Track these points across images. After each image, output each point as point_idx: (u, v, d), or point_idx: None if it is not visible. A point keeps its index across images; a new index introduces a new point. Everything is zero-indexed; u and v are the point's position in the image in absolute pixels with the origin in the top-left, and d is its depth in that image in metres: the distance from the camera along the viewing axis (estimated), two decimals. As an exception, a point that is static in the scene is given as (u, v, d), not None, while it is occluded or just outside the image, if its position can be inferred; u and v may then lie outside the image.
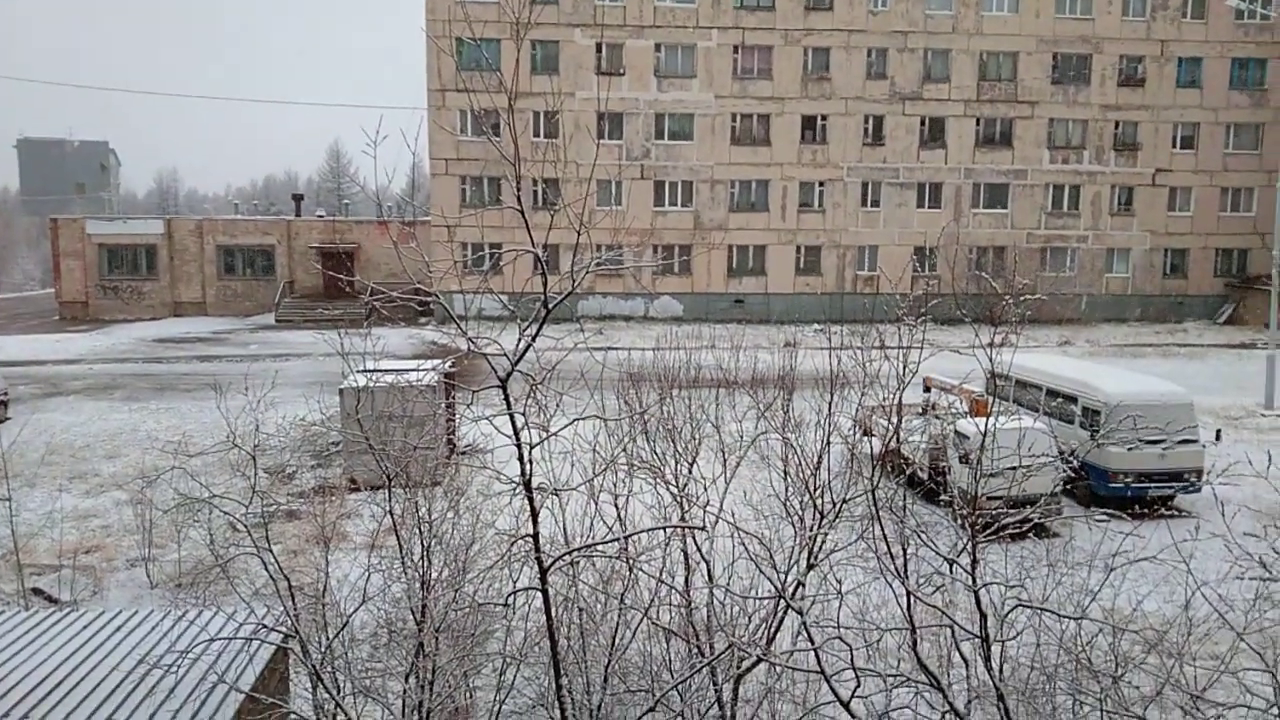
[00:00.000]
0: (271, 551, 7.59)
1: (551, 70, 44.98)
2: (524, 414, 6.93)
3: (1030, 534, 8.27)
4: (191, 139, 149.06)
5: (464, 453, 15.74)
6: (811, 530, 7.43)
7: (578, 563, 8.28)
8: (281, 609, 7.77)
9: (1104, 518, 12.39)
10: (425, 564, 8.01)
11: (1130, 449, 18.43)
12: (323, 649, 7.49)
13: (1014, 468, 8.48)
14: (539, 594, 7.21)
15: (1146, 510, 13.72)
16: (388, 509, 8.18)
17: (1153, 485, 18.60)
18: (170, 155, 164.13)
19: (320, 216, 58.40)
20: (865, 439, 13.32)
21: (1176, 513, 18.51)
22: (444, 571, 8.18)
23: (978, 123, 48.19)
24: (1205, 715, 5.73)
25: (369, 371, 10.20)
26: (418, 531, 8.14)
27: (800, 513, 7.71)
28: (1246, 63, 48.67)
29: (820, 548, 7.49)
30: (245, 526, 7.73)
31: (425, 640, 7.49)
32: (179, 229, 52.45)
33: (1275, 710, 5.21)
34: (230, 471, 9.32)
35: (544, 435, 7.09)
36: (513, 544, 7.59)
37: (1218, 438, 20.17)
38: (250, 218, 58.54)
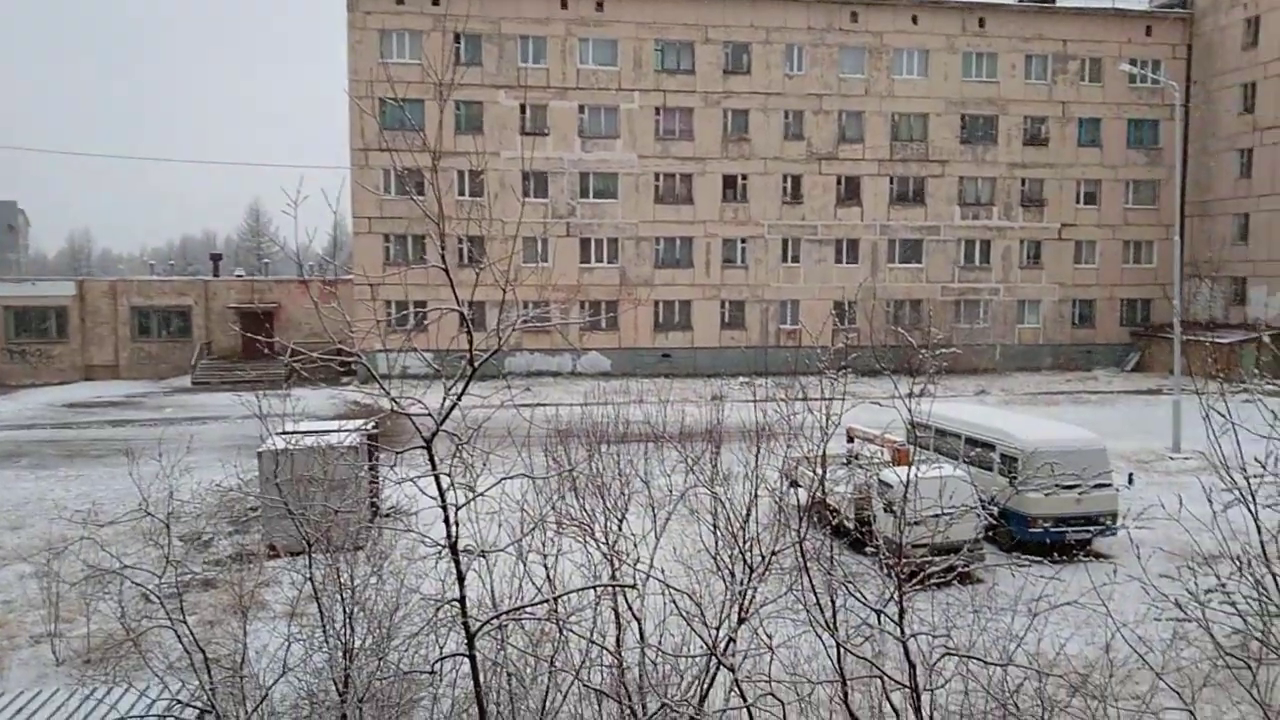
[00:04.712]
0: (186, 623, 7.31)
1: (476, 130, 45.25)
2: (449, 474, 6.83)
3: (955, 581, 8.37)
4: (106, 199, 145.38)
5: (387, 515, 15.41)
6: (742, 584, 7.42)
7: (506, 626, 8.12)
8: (197, 683, 7.46)
9: (1025, 563, 12.64)
10: (348, 632, 7.79)
11: (1047, 494, 18.87)
12: (240, 724, 7.19)
13: (937, 515, 8.62)
14: (466, 660, 7.05)
15: (1066, 555, 14.03)
16: (308, 575, 7.95)
17: (1070, 530, 19.01)
18: (83, 215, 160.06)
19: (239, 276, 57.38)
20: (792, 490, 13.41)
21: (1094, 557, 18.95)
22: (368, 639, 7.95)
23: (891, 181, 49.74)
24: (1129, 756, 5.83)
25: (289, 434, 9.97)
26: (339, 598, 7.93)
27: (730, 567, 7.71)
28: (1141, 123, 51.31)
29: (751, 602, 7.48)
30: (159, 598, 7.44)
31: (349, 711, 7.26)
32: (91, 290, 50.96)
33: (1194, 748, 5.33)
34: (143, 540, 8.98)
35: (470, 496, 6.99)
36: (438, 609, 7.41)
37: (1130, 482, 20.76)
38: (166, 278, 57.19)
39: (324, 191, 7.17)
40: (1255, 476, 5.68)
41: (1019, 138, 50.43)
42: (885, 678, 6.97)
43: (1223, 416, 5.86)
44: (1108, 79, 50.28)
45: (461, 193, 43.01)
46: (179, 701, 7.62)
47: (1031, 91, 50.34)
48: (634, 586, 8.00)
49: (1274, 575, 5.55)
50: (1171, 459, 27.92)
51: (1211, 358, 29.38)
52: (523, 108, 46.44)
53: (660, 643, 8.10)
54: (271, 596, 14.70)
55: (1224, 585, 5.82)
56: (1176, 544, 9.61)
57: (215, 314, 51.09)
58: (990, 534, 18.62)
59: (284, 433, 9.71)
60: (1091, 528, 19.21)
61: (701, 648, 7.44)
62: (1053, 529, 18.94)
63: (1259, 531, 5.66)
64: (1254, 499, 5.66)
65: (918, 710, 6.82)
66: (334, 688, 7.68)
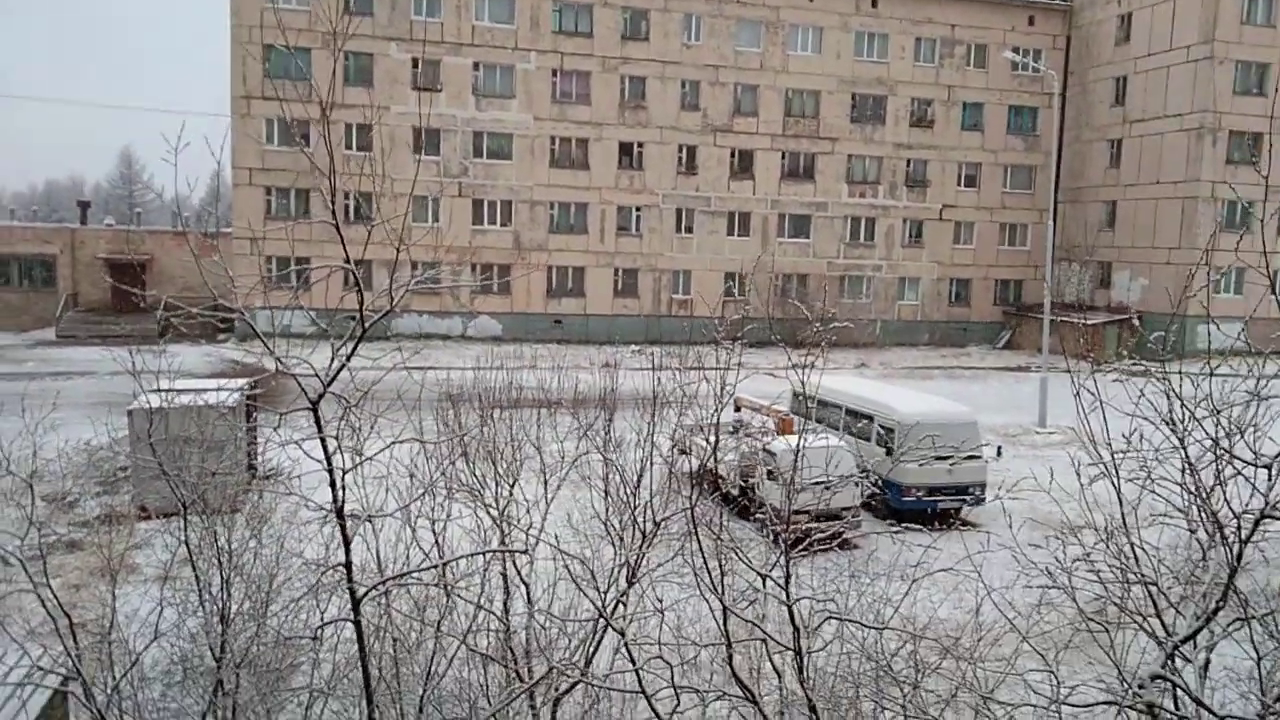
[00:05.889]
0: (50, 586, 6.94)
1: (365, 83, 43.83)
2: (336, 437, 6.64)
3: (835, 547, 8.63)
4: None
5: (266, 478, 14.95)
6: (631, 549, 7.47)
7: (391, 591, 8.00)
8: (61, 649, 7.11)
9: (902, 530, 13.11)
10: (225, 596, 7.56)
11: (922, 465, 19.60)
12: (109, 691, 6.90)
13: (820, 483, 8.85)
14: (347, 625, 6.91)
15: (939, 524, 14.61)
16: (183, 538, 7.66)
17: (943, 499, 19.85)
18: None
19: (109, 225, 54.46)
20: (683, 458, 13.55)
21: (968, 525, 19.80)
22: (245, 604, 7.73)
23: (783, 156, 50.43)
24: (994, 714, 6.12)
25: (162, 391, 9.53)
26: (216, 562, 7.67)
27: (621, 532, 7.75)
28: (1021, 110, 53.28)
29: (640, 566, 7.54)
30: (19, 560, 7.04)
31: (225, 677, 7.04)
32: (-59, 235, 47.67)
33: (1055, 707, 5.63)
34: (2, 500, 8.49)
35: (358, 460, 6.82)
36: (322, 574, 7.24)
37: (999, 454, 21.72)
38: (28, 224, 53.87)
39: (206, 139, 6.82)
40: (1120, 452, 6.00)
41: (906, 119, 51.73)
42: (769, 639, 7.14)
43: (1092, 394, 6.16)
44: (991, 65, 51.95)
45: (349, 146, 41.68)
46: (39, 668, 7.24)
47: (919, 74, 51.64)
48: (525, 552, 7.98)
49: (1134, 545, 5.89)
50: (1038, 433, 29.35)
51: (1080, 338, 30.93)
52: (415, 62, 45.18)
53: (549, 607, 8.12)
54: (143, 560, 14.13)
55: (1089, 554, 6.15)
56: (1041, 513, 10.13)
57: (83, 264, 48.42)
58: (868, 503, 19.26)
59: (157, 390, 9.28)
60: (962, 497, 20.08)
61: (590, 611, 7.47)
62: (926, 498, 19.72)
63: (1121, 504, 5.98)
64: (1118, 473, 5.98)
65: (800, 671, 7.02)
66: (210, 653, 7.44)
